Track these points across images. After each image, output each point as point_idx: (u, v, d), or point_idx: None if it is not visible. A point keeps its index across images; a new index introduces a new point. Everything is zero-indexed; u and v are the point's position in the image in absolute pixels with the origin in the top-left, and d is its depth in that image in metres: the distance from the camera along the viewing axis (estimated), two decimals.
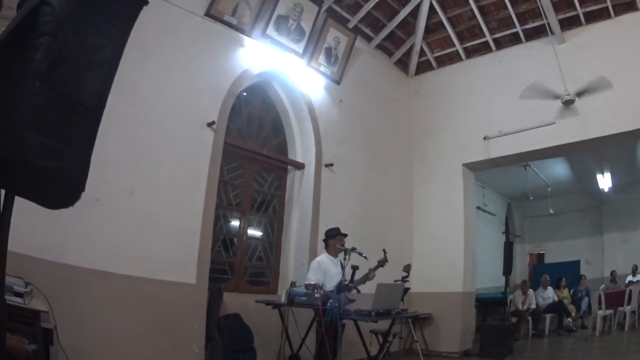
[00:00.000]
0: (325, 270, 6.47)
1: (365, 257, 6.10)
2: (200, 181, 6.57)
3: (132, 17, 2.49)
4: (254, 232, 8.20)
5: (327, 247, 6.87)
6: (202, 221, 6.48)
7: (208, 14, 6.99)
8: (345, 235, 6.82)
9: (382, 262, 6.78)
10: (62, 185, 2.18)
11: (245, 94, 8.06)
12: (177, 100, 6.46)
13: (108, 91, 2.34)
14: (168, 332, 5.83)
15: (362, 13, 9.44)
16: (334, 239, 6.77)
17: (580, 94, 8.62)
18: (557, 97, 8.80)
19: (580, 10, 8.90)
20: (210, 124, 6.74)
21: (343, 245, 6.54)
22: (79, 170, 2.20)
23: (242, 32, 7.45)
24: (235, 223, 7.89)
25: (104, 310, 5.29)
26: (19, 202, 2.09)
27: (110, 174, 5.44)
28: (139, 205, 5.82)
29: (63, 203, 2.30)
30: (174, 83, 6.48)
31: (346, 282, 5.87)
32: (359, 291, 6.41)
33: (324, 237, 7.05)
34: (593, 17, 8.99)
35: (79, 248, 5.19)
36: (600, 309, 11.04)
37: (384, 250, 6.85)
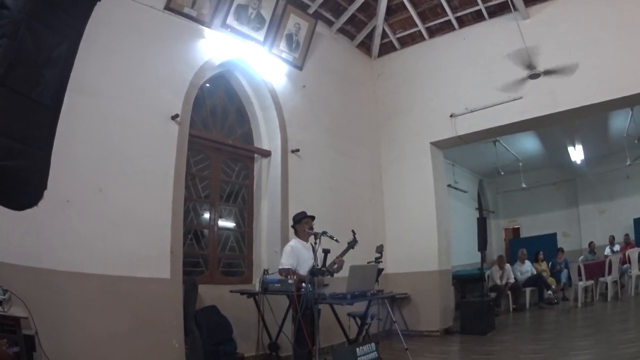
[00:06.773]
0: (298, 255, 6.40)
1: (336, 240, 6.04)
2: (168, 175, 6.52)
3: (86, 14, 2.47)
4: (225, 223, 8.17)
5: (296, 233, 6.77)
6: (172, 215, 6.43)
7: (168, 7, 6.90)
8: (313, 218, 6.70)
9: (352, 244, 6.69)
10: (25, 185, 2.16)
11: (208, 85, 8.01)
12: (141, 96, 6.40)
13: (65, 88, 2.33)
14: (148, 329, 5.82)
15: None
16: (300, 223, 6.66)
17: (548, 73, 8.73)
18: (531, 67, 8.91)
19: None
20: (174, 117, 6.68)
21: (312, 228, 6.47)
22: (40, 169, 2.19)
23: (202, 23, 7.38)
24: (205, 215, 7.88)
25: (83, 312, 5.26)
26: None
27: (78, 174, 5.43)
28: (109, 203, 5.76)
29: (27, 203, 2.28)
30: (137, 78, 6.41)
31: (319, 267, 5.86)
32: (332, 275, 6.41)
33: (292, 224, 6.99)
34: None
35: (53, 251, 5.13)
36: (580, 280, 11.19)
37: (353, 231, 6.81)
